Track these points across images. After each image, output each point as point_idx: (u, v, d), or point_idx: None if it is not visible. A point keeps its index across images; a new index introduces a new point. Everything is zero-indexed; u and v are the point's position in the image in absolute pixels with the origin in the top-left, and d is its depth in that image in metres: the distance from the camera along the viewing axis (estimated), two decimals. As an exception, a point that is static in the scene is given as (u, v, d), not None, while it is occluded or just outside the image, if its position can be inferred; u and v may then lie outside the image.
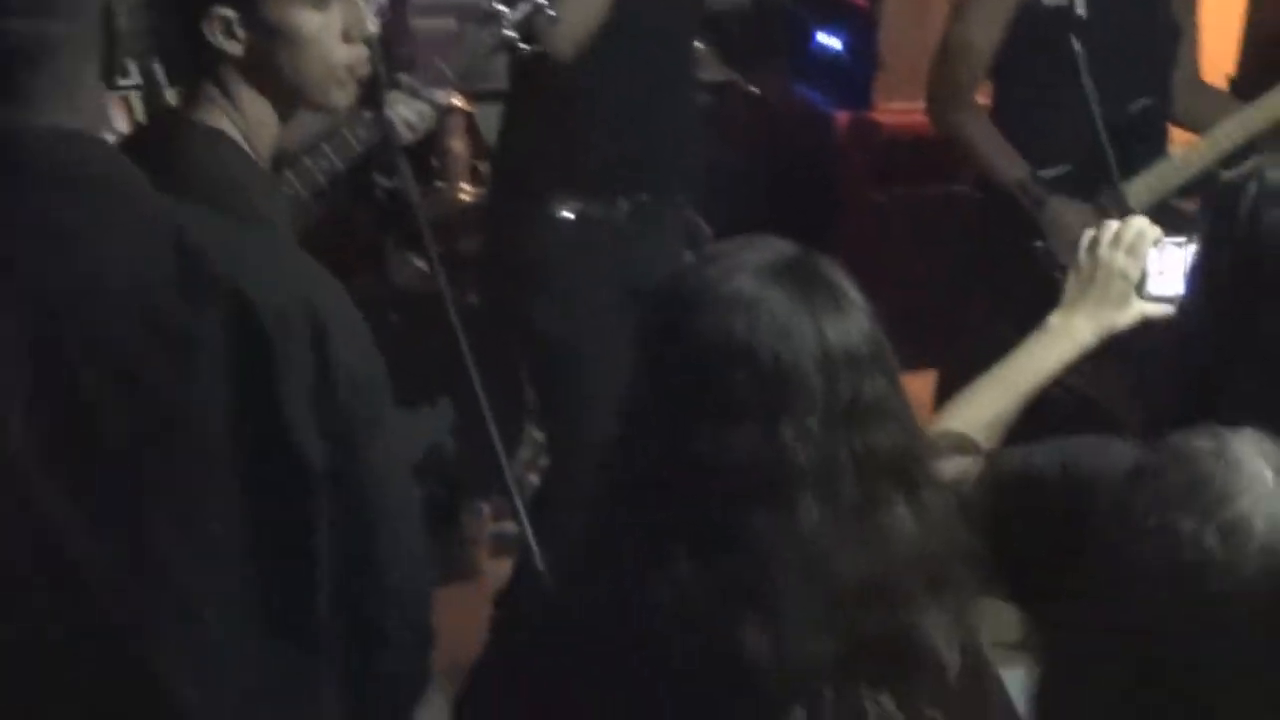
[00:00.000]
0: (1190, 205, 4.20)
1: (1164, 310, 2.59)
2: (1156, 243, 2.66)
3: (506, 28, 3.66)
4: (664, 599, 1.86)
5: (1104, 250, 2.65)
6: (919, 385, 3.03)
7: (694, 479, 1.87)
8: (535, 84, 4.04)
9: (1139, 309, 2.64)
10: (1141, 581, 1.67)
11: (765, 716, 1.87)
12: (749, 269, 1.92)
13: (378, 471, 1.92)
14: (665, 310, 1.96)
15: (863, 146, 5.75)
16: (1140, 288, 2.64)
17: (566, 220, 4.09)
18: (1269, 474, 1.69)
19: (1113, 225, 2.69)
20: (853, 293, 1.94)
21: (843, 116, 5.86)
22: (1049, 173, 4.23)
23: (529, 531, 2.96)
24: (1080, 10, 4.25)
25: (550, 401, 4.26)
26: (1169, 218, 3.59)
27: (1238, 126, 4.06)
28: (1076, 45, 4.10)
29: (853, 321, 1.92)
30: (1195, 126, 4.42)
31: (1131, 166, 4.18)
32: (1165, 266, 2.65)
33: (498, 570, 4.65)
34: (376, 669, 1.97)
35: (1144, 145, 4.30)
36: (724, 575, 1.86)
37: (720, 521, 1.87)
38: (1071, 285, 2.68)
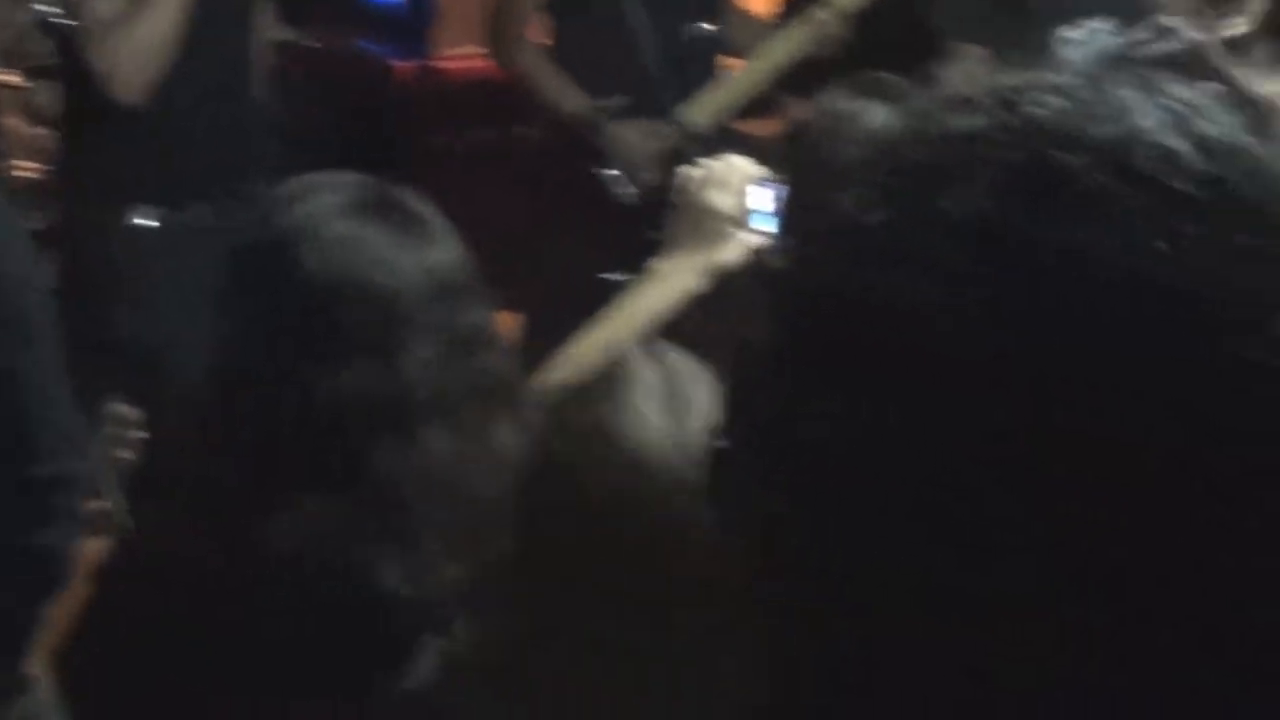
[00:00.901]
0: (750, 127, 4.32)
1: (768, 243, 2.59)
2: (753, 178, 2.66)
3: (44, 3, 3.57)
4: (294, 541, 1.85)
5: (696, 190, 2.66)
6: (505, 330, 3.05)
7: (316, 419, 1.87)
8: (91, 103, 3.95)
9: (741, 244, 2.64)
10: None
11: (398, 647, 1.86)
12: (340, 208, 1.92)
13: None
14: (265, 257, 1.94)
15: (428, 95, 5.74)
16: (743, 223, 2.63)
17: (149, 228, 4.02)
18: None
19: (705, 163, 2.70)
20: (439, 222, 1.96)
21: (405, 66, 5.84)
22: (609, 103, 4.30)
23: (117, 496, 2.91)
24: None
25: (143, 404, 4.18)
26: (734, 142, 3.69)
27: (783, 45, 4.18)
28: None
29: (448, 250, 1.94)
30: (746, 51, 4.53)
31: (688, 92, 4.27)
32: (763, 202, 2.65)
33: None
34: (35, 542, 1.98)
35: (699, 70, 4.39)
36: (355, 512, 1.86)
37: (347, 459, 1.87)
38: (671, 229, 2.69)
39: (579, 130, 4.29)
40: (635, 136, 4.20)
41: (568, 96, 4.33)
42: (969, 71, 0.96)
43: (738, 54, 4.55)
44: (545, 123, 4.46)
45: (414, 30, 5.90)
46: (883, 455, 0.85)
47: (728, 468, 0.93)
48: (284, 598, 1.87)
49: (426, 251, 1.93)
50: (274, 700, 1.87)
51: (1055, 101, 0.89)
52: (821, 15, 4.12)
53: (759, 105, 4.32)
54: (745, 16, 4.70)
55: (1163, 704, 0.83)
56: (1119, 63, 0.92)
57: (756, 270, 2.45)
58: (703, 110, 4.27)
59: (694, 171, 2.68)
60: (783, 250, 0.94)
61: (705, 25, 4.45)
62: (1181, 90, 0.89)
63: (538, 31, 4.49)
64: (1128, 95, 0.89)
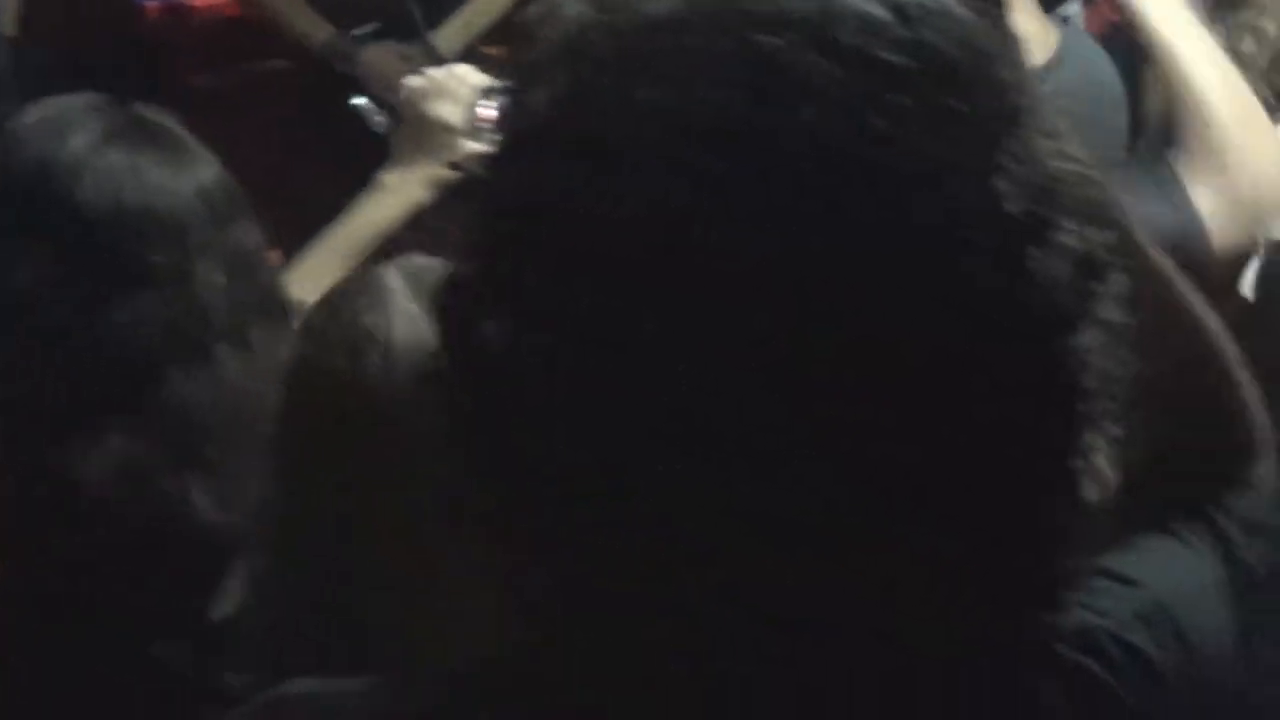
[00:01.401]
0: (498, 50, 4.30)
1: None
2: (481, 89, 2.60)
3: None
4: (103, 474, 1.85)
5: (419, 100, 2.61)
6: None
7: (111, 351, 1.86)
8: None
9: (464, 153, 2.59)
10: None
11: (208, 572, 1.86)
12: (103, 135, 1.89)
13: None
14: (38, 191, 1.91)
15: (177, 33, 5.66)
16: (471, 134, 2.57)
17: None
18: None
19: (429, 74, 2.65)
20: (197, 144, 1.99)
21: (154, 7, 5.74)
22: (359, 31, 4.26)
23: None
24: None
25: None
26: (482, 63, 3.67)
27: None
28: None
29: (214, 172, 1.96)
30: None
31: (438, 18, 4.25)
32: (490, 114, 2.59)
33: None
34: None
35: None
36: (160, 441, 1.86)
37: (146, 388, 1.87)
38: (396, 140, 2.66)
39: (330, 61, 4.25)
40: (387, 63, 4.16)
41: (316, 27, 4.28)
42: None
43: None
44: (296, 56, 4.42)
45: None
46: (629, 367, 0.81)
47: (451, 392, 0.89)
48: (96, 532, 1.86)
49: (196, 174, 1.94)
50: (90, 636, 1.87)
51: None
52: None
53: (510, 27, 4.31)
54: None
55: (920, 589, 0.82)
56: None
57: (463, 181, 2.44)
58: (454, 33, 4.24)
59: (418, 82, 2.63)
60: (483, 158, 0.90)
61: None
62: None
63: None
64: None
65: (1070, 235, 0.84)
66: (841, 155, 0.82)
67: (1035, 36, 2.64)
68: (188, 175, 1.93)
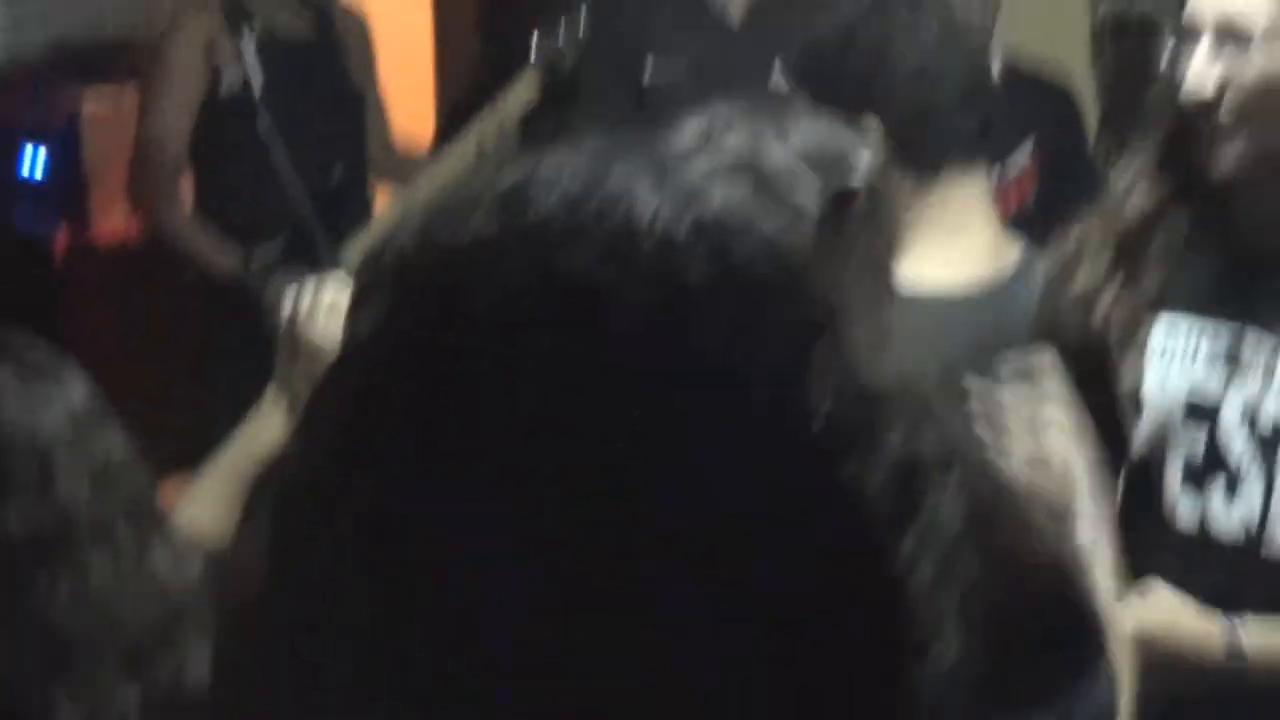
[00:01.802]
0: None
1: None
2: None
3: None
4: None
5: (295, 319, 2.55)
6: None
7: None
8: None
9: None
10: None
11: None
12: None
13: None
14: None
15: (83, 265, 5.65)
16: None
17: None
18: None
19: (306, 290, 2.58)
20: (64, 359, 2.02)
21: (61, 237, 5.74)
22: (264, 251, 4.24)
23: None
24: (258, 92, 4.27)
25: None
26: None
27: (435, 174, 4.17)
28: (262, 126, 4.15)
29: (81, 387, 1.99)
30: (397, 184, 4.52)
31: (341, 231, 4.22)
32: None
33: None
34: None
35: (351, 209, 4.36)
36: (27, 651, 1.89)
37: (12, 599, 1.89)
38: (278, 361, 2.60)
39: (236, 287, 4.21)
40: (292, 287, 4.11)
41: (219, 254, 4.26)
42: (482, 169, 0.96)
43: (389, 187, 4.53)
44: (201, 282, 4.38)
45: (66, 200, 5.80)
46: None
47: None
48: None
49: (63, 390, 1.98)
50: None
51: (552, 199, 0.88)
52: (478, 140, 4.12)
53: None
54: (391, 151, 4.68)
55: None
56: (631, 145, 0.93)
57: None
58: (359, 249, 4.22)
59: (294, 298, 2.56)
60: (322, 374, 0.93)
61: (352, 163, 4.43)
62: (694, 167, 0.89)
63: (186, 187, 4.42)
64: (631, 182, 0.89)
65: (889, 443, 0.86)
66: (640, 373, 0.84)
67: (992, 249, 2.61)
68: (52, 392, 1.97)
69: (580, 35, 4.19)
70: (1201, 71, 2.28)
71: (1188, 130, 2.33)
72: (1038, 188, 3.77)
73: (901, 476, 0.87)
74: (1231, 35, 2.27)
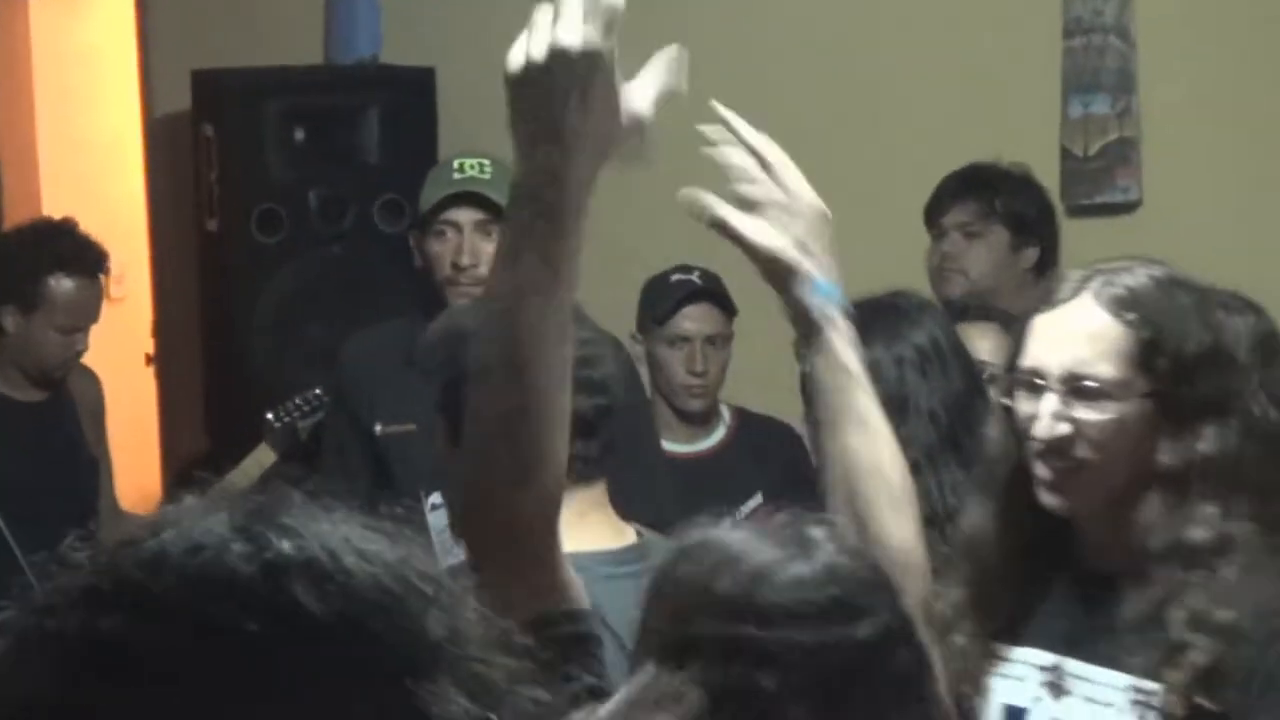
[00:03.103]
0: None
1: None
2: None
3: None
4: None
5: None
6: None
7: None
8: None
9: None
10: None
11: None
12: None
13: None
14: None
15: None
16: None
17: None
18: None
19: None
20: None
21: None
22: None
23: None
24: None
25: None
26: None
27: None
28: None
29: None
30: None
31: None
32: None
33: None
34: None
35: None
36: None
37: None
38: None
39: None
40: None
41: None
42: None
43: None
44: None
45: None
46: None
47: None
48: None
49: None
50: None
51: (135, 560, 0.93)
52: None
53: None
54: (118, 512, 4.66)
55: None
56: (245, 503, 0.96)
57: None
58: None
59: None
60: None
61: (80, 522, 4.37)
62: (323, 524, 0.94)
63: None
64: (222, 540, 0.93)
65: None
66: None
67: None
68: None
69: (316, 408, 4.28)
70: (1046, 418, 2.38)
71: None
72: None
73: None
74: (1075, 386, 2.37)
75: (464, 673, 0.92)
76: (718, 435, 4.20)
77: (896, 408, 2.69)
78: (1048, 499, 2.41)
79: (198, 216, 5.18)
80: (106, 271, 4.50)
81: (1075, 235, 4.46)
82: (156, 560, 0.92)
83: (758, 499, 3.96)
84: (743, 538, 1.78)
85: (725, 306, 4.11)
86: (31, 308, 4.34)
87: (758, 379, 4.08)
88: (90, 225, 4.54)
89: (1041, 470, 2.41)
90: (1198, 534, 2.33)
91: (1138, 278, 2.41)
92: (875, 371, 2.37)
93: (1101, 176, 4.86)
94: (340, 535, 0.94)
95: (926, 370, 3.01)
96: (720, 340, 4.12)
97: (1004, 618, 2.47)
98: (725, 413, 4.23)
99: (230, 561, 0.91)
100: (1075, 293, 2.40)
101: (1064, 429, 2.37)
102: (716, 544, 1.77)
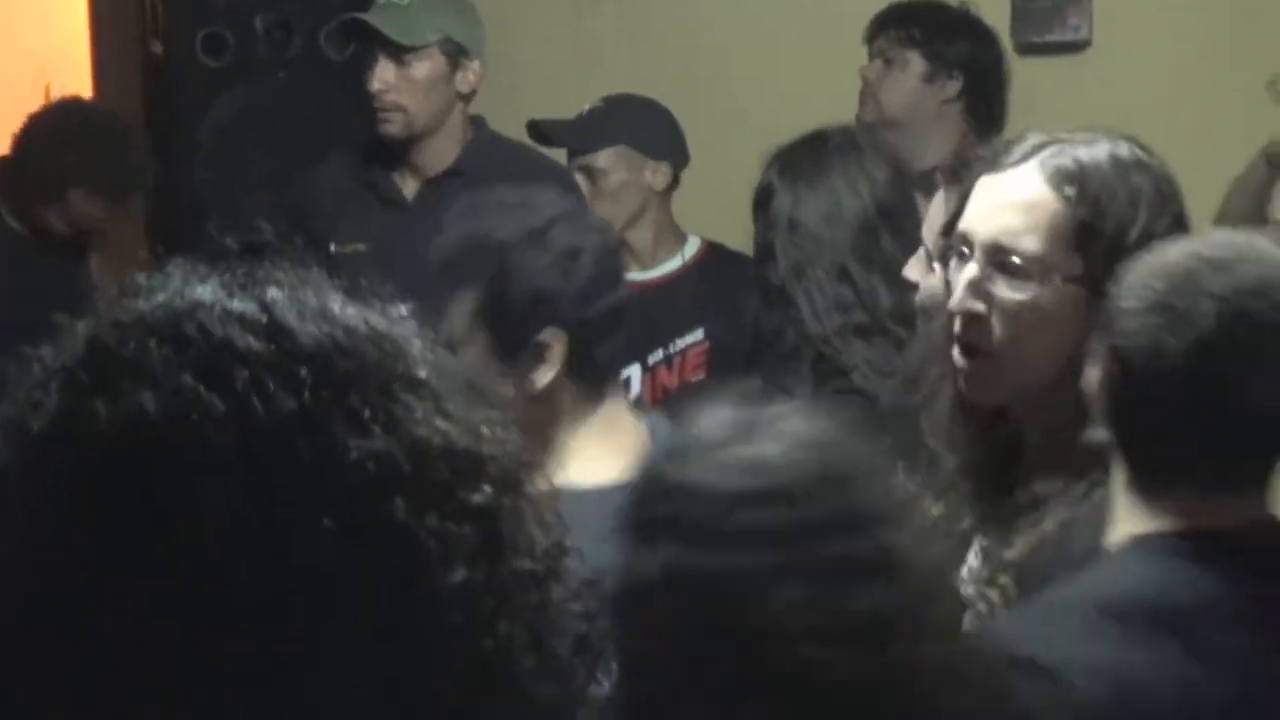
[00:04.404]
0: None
1: None
2: None
3: None
4: None
5: None
6: None
7: None
8: None
9: None
10: None
11: None
12: None
13: None
14: None
15: None
16: None
17: None
18: None
19: None
20: None
21: None
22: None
23: None
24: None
25: None
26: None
27: None
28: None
29: None
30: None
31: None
32: None
33: None
34: None
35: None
36: None
37: None
38: None
39: None
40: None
41: None
42: None
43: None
44: None
45: None
46: None
47: None
48: None
49: None
50: None
51: None
52: None
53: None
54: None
55: None
56: None
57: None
58: None
59: None
60: None
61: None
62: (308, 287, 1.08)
63: None
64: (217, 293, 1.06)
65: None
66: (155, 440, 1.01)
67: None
68: None
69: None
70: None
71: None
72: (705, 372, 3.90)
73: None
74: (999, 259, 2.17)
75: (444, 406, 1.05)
76: (671, 265, 4.10)
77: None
78: (963, 388, 2.21)
79: (142, 38, 5.12)
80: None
81: (1025, 73, 4.43)
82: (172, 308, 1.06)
83: (698, 334, 3.93)
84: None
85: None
86: None
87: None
88: (32, 47, 4.48)
89: (957, 357, 2.20)
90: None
91: (1093, 152, 2.18)
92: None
93: (1052, 15, 4.86)
94: (323, 290, 1.07)
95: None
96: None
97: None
98: (692, 243, 4.14)
99: (229, 305, 1.03)
100: (1024, 157, 2.18)
101: (978, 306, 2.16)
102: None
